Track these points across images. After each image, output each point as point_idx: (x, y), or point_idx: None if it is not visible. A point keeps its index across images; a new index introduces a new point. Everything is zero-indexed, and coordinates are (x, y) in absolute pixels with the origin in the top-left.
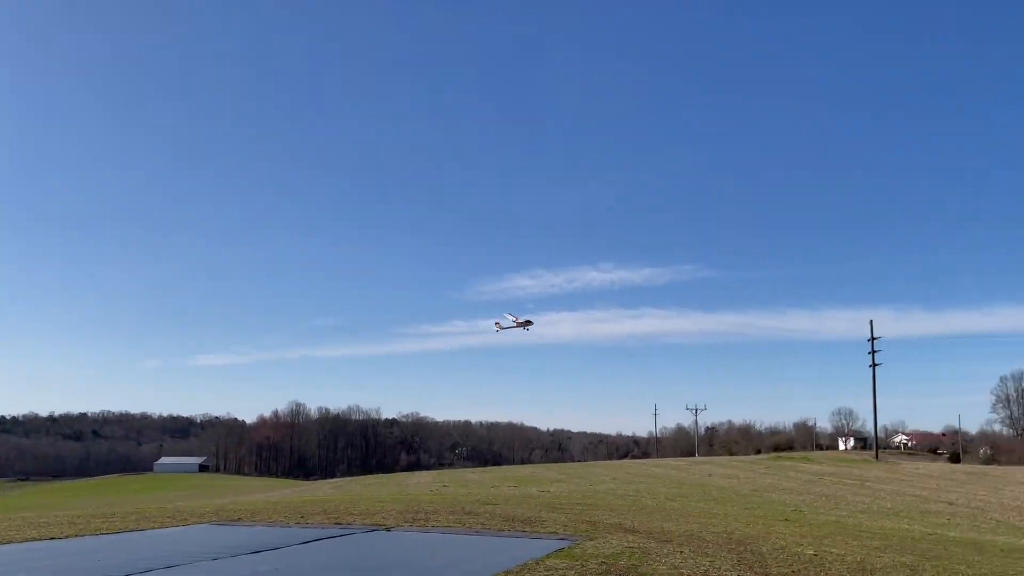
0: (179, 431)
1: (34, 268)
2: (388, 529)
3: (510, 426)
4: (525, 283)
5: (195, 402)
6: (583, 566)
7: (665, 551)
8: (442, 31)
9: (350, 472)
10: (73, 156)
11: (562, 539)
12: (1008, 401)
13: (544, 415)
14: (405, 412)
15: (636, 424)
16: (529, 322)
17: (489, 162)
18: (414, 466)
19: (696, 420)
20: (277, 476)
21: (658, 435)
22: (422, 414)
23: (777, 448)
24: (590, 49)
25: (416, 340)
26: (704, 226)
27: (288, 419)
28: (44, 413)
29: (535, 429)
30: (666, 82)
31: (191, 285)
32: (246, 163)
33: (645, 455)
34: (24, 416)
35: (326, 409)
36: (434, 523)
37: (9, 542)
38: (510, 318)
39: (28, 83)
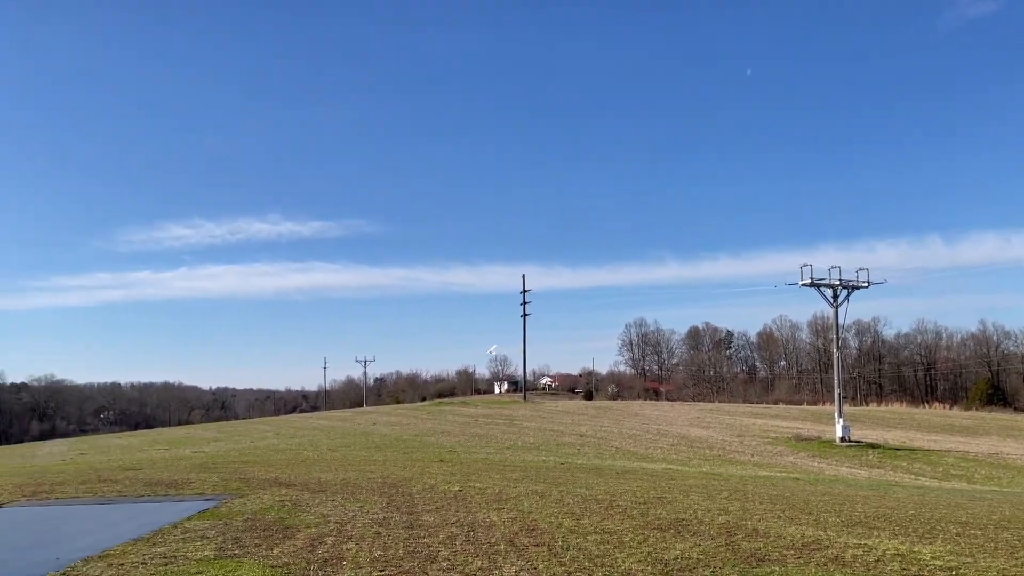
0: None
1: None
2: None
3: (166, 386)
4: (182, 232)
5: None
6: (227, 524)
7: (317, 501)
8: None
9: None
10: None
11: (209, 499)
12: (631, 344)
13: (206, 373)
14: (37, 375)
15: (306, 378)
16: None
17: (137, 98)
18: (49, 435)
19: (365, 372)
20: None
21: (327, 388)
22: (59, 377)
23: (441, 395)
24: None
25: (49, 294)
26: (373, 180)
27: None
28: None
29: (195, 388)
30: (330, 24)
31: None
32: None
33: (314, 409)
34: None
35: None
36: (60, 495)
37: None
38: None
39: None
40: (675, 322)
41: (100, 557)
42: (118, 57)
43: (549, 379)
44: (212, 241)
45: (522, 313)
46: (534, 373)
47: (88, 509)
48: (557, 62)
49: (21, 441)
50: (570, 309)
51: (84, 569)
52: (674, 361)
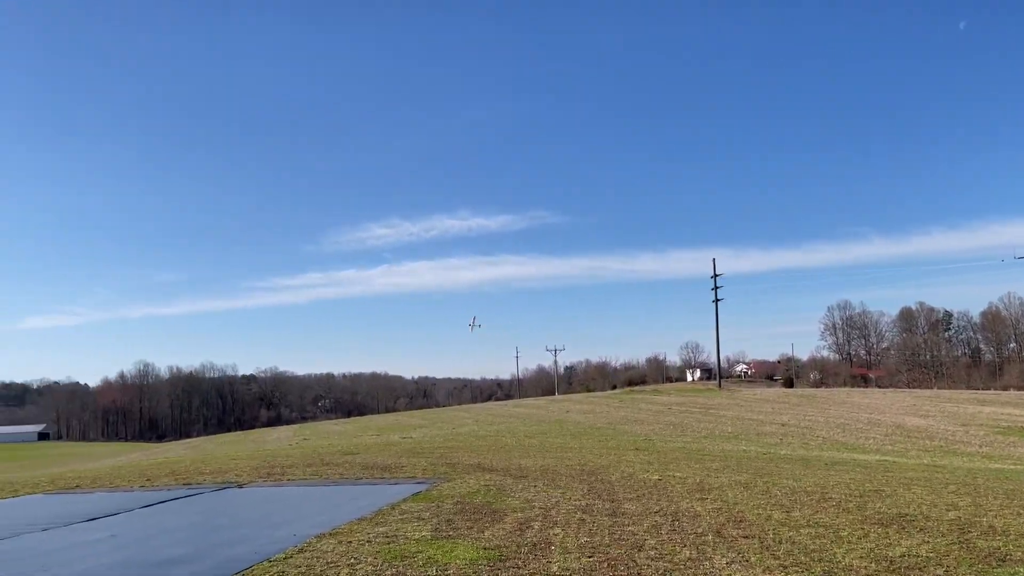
0: (13, 399)
1: None
2: (240, 486)
3: (374, 376)
4: (382, 232)
5: (30, 368)
6: (439, 507)
7: (520, 486)
8: None
9: (206, 432)
10: None
11: (420, 483)
12: (834, 328)
13: (408, 363)
14: (263, 367)
15: (499, 367)
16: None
17: (338, 111)
18: (275, 421)
19: (555, 360)
20: (126, 440)
21: (520, 377)
22: (281, 368)
23: (631, 383)
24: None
25: (270, 294)
26: (553, 171)
27: (136, 380)
28: None
29: (400, 378)
30: (501, 28)
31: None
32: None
33: (508, 397)
34: None
35: (177, 368)
36: (290, 477)
37: None
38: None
39: None
40: (883, 303)
41: (331, 534)
42: (322, 71)
43: (745, 366)
44: (409, 239)
45: (714, 299)
46: (728, 360)
47: (315, 490)
48: (740, 45)
49: (252, 427)
50: (764, 293)
51: (319, 545)
52: (884, 345)
